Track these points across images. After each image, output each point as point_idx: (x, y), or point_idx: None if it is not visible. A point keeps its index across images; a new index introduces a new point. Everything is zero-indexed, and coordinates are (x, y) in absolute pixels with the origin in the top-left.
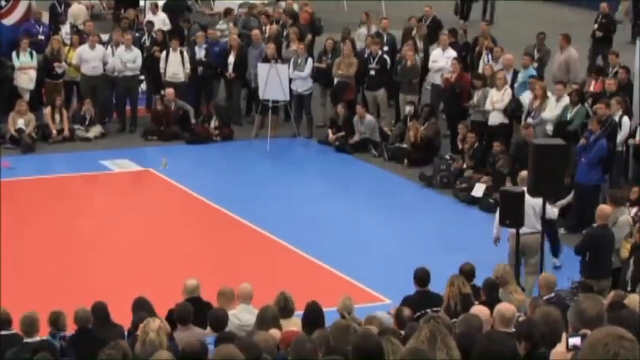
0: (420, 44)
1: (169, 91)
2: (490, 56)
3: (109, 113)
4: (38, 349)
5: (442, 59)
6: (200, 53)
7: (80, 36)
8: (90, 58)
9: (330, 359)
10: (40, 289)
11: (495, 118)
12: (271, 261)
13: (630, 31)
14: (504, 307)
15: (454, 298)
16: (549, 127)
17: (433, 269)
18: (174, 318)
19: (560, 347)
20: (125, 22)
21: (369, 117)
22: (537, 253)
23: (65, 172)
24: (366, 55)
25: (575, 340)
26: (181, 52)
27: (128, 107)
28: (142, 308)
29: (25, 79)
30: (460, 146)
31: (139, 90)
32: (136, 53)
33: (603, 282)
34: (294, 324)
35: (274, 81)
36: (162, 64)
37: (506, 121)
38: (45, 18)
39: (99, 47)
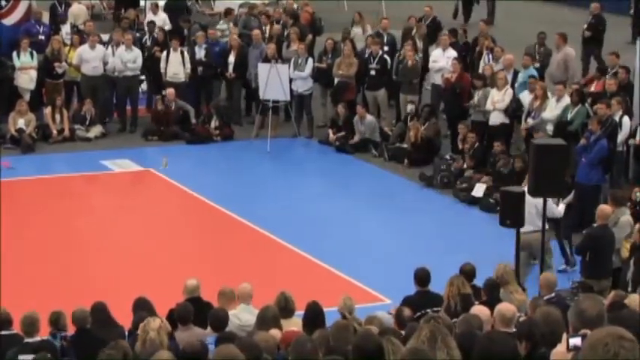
0: (419, 44)
1: (170, 91)
2: (490, 56)
3: (110, 113)
4: (38, 349)
5: (442, 59)
6: (200, 53)
7: (80, 36)
8: (90, 58)
9: (330, 359)
10: (40, 289)
11: (496, 118)
12: (271, 261)
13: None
14: (505, 307)
15: (453, 298)
16: (550, 127)
17: (433, 269)
18: (175, 318)
19: (560, 347)
20: (125, 22)
21: (369, 117)
22: (547, 252)
23: (65, 172)
24: (366, 55)
25: (575, 341)
26: (182, 52)
27: (128, 107)
28: (143, 308)
29: (26, 79)
30: (460, 146)
31: (140, 90)
32: (137, 53)
33: (603, 282)
34: (294, 324)
35: (275, 81)
36: (162, 64)
37: (506, 121)
38: (45, 18)
39: (99, 47)
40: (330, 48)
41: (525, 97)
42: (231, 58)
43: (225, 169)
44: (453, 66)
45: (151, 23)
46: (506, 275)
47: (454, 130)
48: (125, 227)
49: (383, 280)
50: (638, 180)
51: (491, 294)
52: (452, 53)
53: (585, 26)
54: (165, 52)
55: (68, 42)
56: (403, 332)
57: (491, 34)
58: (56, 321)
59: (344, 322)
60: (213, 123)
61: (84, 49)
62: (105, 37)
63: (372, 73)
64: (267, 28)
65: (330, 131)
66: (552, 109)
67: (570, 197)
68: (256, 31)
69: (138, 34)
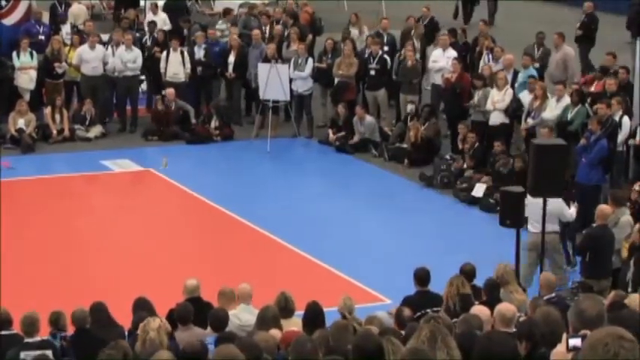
0: (417, 44)
1: (170, 91)
2: (490, 56)
3: (110, 113)
4: (38, 349)
5: (442, 59)
6: (199, 53)
7: (80, 36)
8: (90, 59)
9: (330, 359)
10: (40, 289)
11: (496, 118)
12: (271, 261)
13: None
14: (505, 307)
15: (452, 298)
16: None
17: (433, 269)
18: (175, 318)
19: (560, 347)
20: (125, 22)
21: (368, 118)
22: (557, 252)
23: (65, 172)
24: (366, 55)
25: (575, 341)
26: (182, 52)
27: (128, 107)
28: (143, 308)
29: (26, 79)
30: (460, 146)
31: (140, 90)
32: (137, 53)
33: (603, 282)
34: (294, 324)
35: (275, 81)
36: (162, 64)
37: (506, 121)
38: (45, 18)
39: (99, 47)
40: (330, 48)
41: (525, 97)
42: (231, 58)
43: (225, 169)
44: (453, 66)
45: (152, 23)
46: (506, 275)
47: (454, 130)
48: (125, 227)
49: (383, 280)
50: (638, 180)
51: (491, 294)
52: (452, 53)
53: (578, 25)
54: (165, 52)
55: (68, 42)
56: (403, 332)
57: (491, 34)
58: (56, 321)
59: (344, 322)
60: (213, 123)
61: (84, 49)
62: (105, 37)
63: (372, 73)
64: (267, 28)
65: (330, 131)
66: (552, 109)
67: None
68: (256, 31)
69: (138, 34)
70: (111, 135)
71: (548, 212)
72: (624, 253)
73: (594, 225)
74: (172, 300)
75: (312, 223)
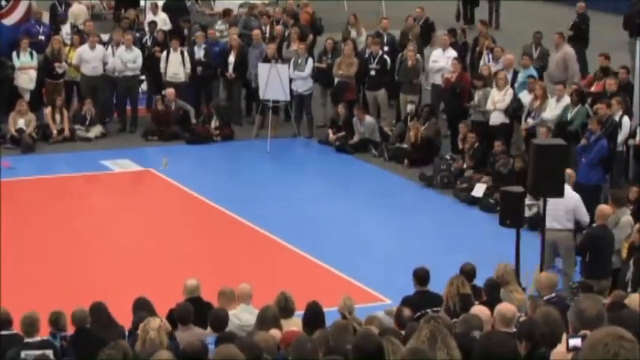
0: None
1: (170, 91)
2: (490, 56)
3: (110, 113)
4: (39, 349)
5: (442, 59)
6: (199, 53)
7: (80, 36)
8: (90, 59)
9: (330, 359)
10: (40, 289)
11: (496, 118)
12: (271, 261)
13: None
14: (505, 307)
15: (452, 298)
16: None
17: (433, 269)
18: (175, 318)
19: (560, 348)
20: (125, 22)
21: (368, 118)
22: (570, 252)
23: (65, 172)
24: (366, 56)
25: (575, 342)
26: (182, 52)
27: (128, 107)
28: (143, 308)
29: (26, 79)
30: (460, 146)
31: (140, 90)
32: (137, 53)
33: (603, 282)
34: (294, 324)
35: (275, 81)
36: (162, 64)
37: (507, 121)
38: (45, 18)
39: (99, 47)
40: (330, 48)
41: (524, 97)
42: (231, 58)
43: (225, 169)
44: (453, 66)
45: (152, 23)
46: (506, 275)
47: (454, 130)
48: (125, 227)
49: (383, 280)
50: (638, 180)
51: (491, 294)
52: (452, 53)
53: (569, 26)
54: (165, 52)
55: (68, 42)
56: (403, 332)
57: (491, 34)
58: (56, 321)
59: (344, 322)
60: (213, 123)
61: (84, 49)
62: (105, 37)
63: (372, 73)
64: (267, 28)
65: (330, 131)
66: (552, 109)
67: None
68: (256, 31)
69: (138, 34)
70: (111, 135)
71: (566, 208)
72: (624, 253)
73: (594, 225)
74: (172, 300)
75: (312, 223)
